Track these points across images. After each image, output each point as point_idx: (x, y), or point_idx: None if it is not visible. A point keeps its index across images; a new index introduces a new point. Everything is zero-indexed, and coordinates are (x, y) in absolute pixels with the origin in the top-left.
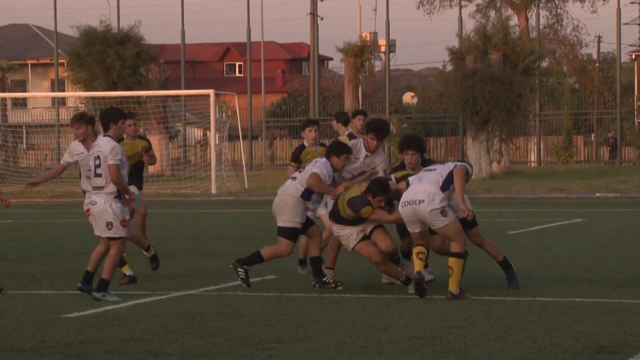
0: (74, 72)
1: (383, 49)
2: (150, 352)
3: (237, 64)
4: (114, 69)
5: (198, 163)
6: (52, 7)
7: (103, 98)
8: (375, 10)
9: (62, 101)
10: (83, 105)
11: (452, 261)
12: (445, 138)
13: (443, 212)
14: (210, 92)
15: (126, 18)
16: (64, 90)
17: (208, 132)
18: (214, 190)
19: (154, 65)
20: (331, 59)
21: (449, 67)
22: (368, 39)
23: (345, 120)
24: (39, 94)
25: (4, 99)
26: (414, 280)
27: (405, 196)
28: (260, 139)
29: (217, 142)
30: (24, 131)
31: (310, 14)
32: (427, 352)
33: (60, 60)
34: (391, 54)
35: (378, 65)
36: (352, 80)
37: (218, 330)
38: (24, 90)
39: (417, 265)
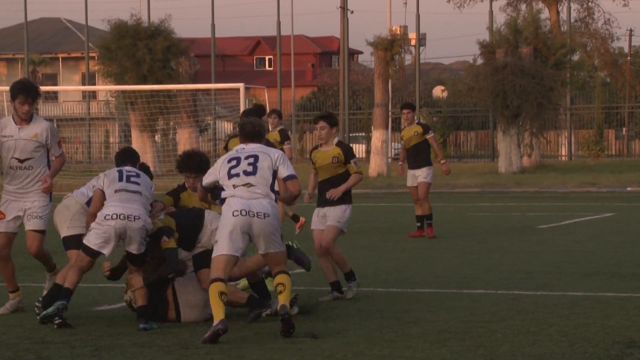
0: (105, 65)
1: (413, 42)
2: (180, 345)
3: (267, 58)
4: (145, 63)
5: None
6: (83, 1)
7: (133, 92)
8: (406, 3)
9: (92, 95)
10: (113, 99)
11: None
12: (476, 132)
13: None
14: (240, 85)
15: (157, 12)
16: (94, 84)
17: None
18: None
19: (185, 59)
20: (361, 52)
21: (480, 61)
22: (398, 32)
23: (281, 115)
24: (69, 88)
25: None
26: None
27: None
28: (290, 132)
29: None
30: (55, 124)
31: (340, 7)
32: (456, 346)
33: (91, 54)
34: (421, 48)
35: (408, 59)
36: (382, 73)
37: (247, 324)
38: (55, 84)
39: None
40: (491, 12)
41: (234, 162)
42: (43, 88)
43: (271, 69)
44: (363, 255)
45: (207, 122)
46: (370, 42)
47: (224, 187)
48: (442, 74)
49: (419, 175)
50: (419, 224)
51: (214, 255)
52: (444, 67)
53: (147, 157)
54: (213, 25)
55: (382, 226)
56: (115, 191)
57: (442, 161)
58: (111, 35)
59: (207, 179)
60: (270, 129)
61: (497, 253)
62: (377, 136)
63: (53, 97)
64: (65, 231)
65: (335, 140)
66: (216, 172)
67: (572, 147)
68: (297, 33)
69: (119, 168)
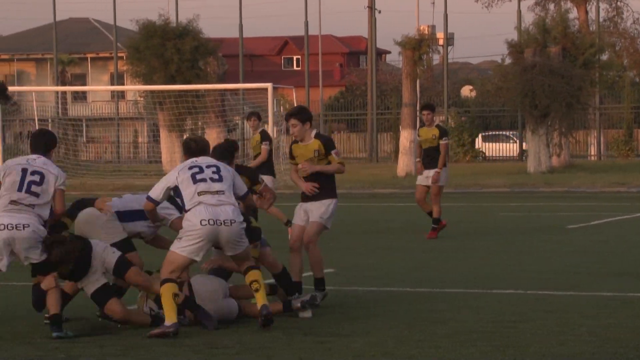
0: (133, 65)
1: (441, 42)
2: (208, 345)
3: (295, 58)
4: (173, 63)
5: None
6: (112, 1)
7: (162, 92)
8: (434, 3)
9: (121, 95)
10: (142, 99)
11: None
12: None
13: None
14: (268, 85)
15: (185, 11)
16: (123, 84)
17: (266, 126)
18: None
19: (213, 59)
20: (389, 52)
21: (508, 61)
22: (426, 32)
23: (260, 117)
24: (98, 88)
25: (64, 92)
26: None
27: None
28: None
29: (275, 136)
30: (84, 124)
31: (368, 7)
32: (485, 346)
33: (119, 54)
34: (449, 47)
35: (436, 59)
36: (410, 73)
37: (276, 323)
38: (84, 84)
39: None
40: (519, 11)
41: (196, 169)
42: (72, 88)
43: (299, 68)
44: (390, 254)
45: (235, 122)
46: (398, 42)
47: (185, 195)
48: (470, 73)
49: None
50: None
51: (171, 248)
52: (472, 67)
53: (175, 156)
54: (241, 25)
55: (410, 226)
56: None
57: (437, 169)
58: (139, 36)
59: (157, 189)
60: (252, 132)
61: (525, 253)
62: (405, 136)
63: (82, 97)
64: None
65: (313, 133)
66: (172, 179)
67: (601, 147)
68: (325, 33)
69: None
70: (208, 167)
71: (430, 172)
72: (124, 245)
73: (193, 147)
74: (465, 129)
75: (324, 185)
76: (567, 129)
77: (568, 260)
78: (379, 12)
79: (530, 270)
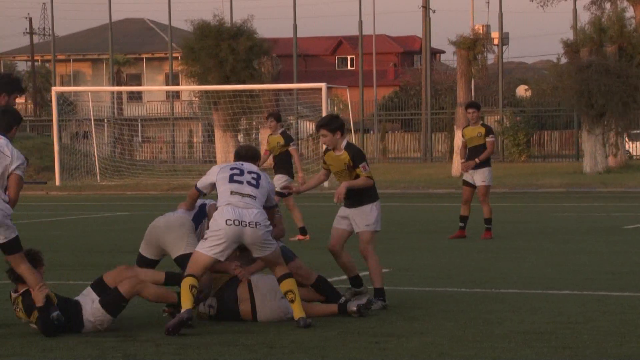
0: (188, 65)
1: (496, 41)
2: (265, 344)
3: (349, 57)
4: (227, 63)
5: (310, 156)
6: (167, 1)
7: (216, 92)
8: (488, 2)
9: (176, 95)
10: (197, 99)
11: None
12: (560, 132)
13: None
14: (322, 85)
15: (239, 12)
16: (178, 84)
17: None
18: (326, 184)
19: (267, 59)
20: (443, 51)
21: (564, 60)
22: (481, 31)
23: (280, 118)
24: (153, 88)
25: (120, 93)
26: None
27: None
28: (372, 132)
29: None
30: (139, 124)
31: (423, 6)
32: (542, 347)
33: (174, 54)
34: (504, 47)
35: (491, 58)
36: (464, 73)
37: (331, 323)
38: (139, 84)
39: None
40: (575, 10)
41: (236, 170)
42: (127, 88)
43: (353, 68)
44: (447, 255)
45: (290, 121)
46: (453, 42)
47: (219, 192)
48: (526, 73)
49: (478, 178)
50: (461, 225)
51: (197, 248)
52: (527, 66)
53: (230, 156)
54: (295, 25)
55: (467, 226)
56: None
57: (477, 160)
58: (194, 36)
59: (204, 181)
60: (270, 132)
61: (582, 254)
62: (460, 136)
63: (137, 97)
64: (183, 249)
65: (344, 143)
66: (214, 175)
67: None
68: (379, 32)
69: None
70: (249, 172)
71: (476, 174)
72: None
73: (242, 154)
74: (521, 129)
75: (361, 191)
76: (624, 129)
77: (625, 261)
78: (434, 11)
79: (587, 271)
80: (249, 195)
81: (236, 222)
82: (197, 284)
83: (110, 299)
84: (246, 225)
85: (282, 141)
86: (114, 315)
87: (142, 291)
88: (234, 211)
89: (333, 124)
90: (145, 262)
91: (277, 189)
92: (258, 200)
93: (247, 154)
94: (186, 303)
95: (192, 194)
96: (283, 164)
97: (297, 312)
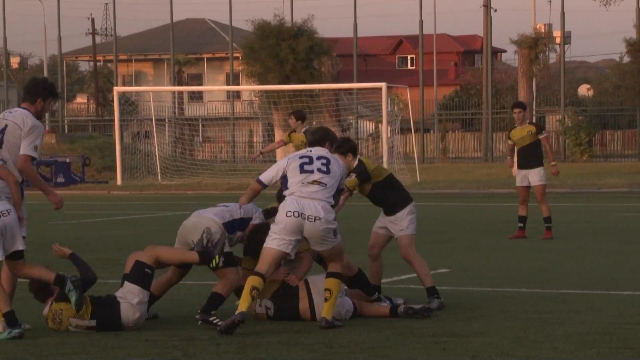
0: (249, 65)
1: (558, 40)
2: (324, 344)
3: (409, 57)
4: (288, 63)
5: (370, 156)
6: (228, 1)
7: (277, 91)
8: (550, 1)
9: (236, 94)
10: (257, 99)
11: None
12: (622, 131)
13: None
14: (383, 85)
15: (300, 11)
16: (238, 84)
17: (380, 125)
18: None
19: (327, 59)
20: (504, 51)
21: (626, 59)
22: (542, 30)
23: (303, 117)
24: (214, 88)
25: (181, 92)
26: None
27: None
28: (432, 131)
29: (389, 135)
30: (200, 124)
31: (484, 5)
32: (604, 348)
33: (235, 54)
34: (566, 46)
35: (553, 57)
36: (526, 72)
37: (390, 322)
38: (200, 84)
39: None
40: (638, 9)
41: (306, 159)
42: (188, 88)
43: (413, 68)
44: (507, 255)
45: (350, 121)
46: (514, 41)
47: (290, 183)
48: (588, 72)
49: (533, 178)
50: (520, 225)
51: (265, 244)
52: (589, 66)
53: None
54: (355, 25)
55: (527, 226)
56: None
57: (553, 162)
58: (255, 36)
59: (268, 174)
60: (294, 130)
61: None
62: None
63: (198, 97)
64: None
65: (356, 162)
66: (282, 166)
67: None
68: (439, 32)
69: None
70: (319, 158)
71: (530, 174)
72: (228, 260)
73: (310, 139)
74: (583, 128)
75: (392, 200)
76: None
77: None
78: (495, 10)
79: None
80: (318, 183)
81: (296, 214)
82: (261, 285)
83: (133, 270)
84: (305, 218)
85: (304, 139)
86: (145, 287)
87: (160, 255)
88: (297, 203)
89: (344, 146)
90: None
91: None
92: (328, 187)
93: (314, 138)
94: (242, 305)
95: (254, 187)
96: None
97: (325, 311)
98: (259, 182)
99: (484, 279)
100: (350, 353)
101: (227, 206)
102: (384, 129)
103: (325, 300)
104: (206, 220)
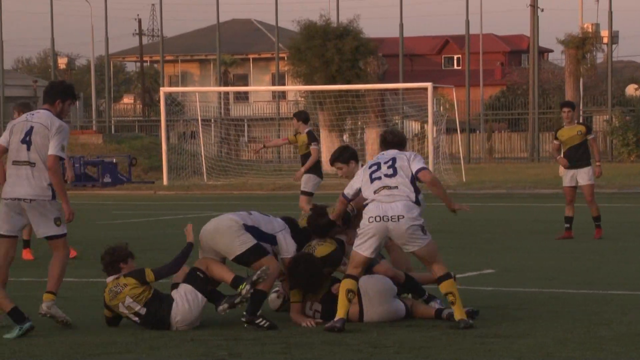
0: (294, 66)
1: (606, 40)
2: (368, 344)
3: (455, 57)
4: (333, 63)
5: None
6: (274, 2)
7: (322, 92)
8: (598, 0)
9: (282, 95)
10: (303, 99)
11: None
12: None
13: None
14: (428, 85)
15: (345, 12)
16: (284, 84)
17: (425, 125)
18: None
19: (373, 59)
20: (551, 50)
21: None
22: (590, 30)
23: (305, 119)
24: (260, 88)
25: (227, 93)
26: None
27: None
28: (478, 132)
29: (434, 135)
30: (246, 124)
31: (530, 5)
32: None
33: (280, 55)
34: (614, 45)
35: (600, 57)
36: (572, 72)
37: (435, 323)
38: (246, 84)
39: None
40: None
41: (374, 167)
42: (234, 88)
43: (459, 68)
44: (554, 256)
45: (395, 121)
46: (561, 41)
47: (365, 195)
48: (636, 72)
49: (583, 178)
50: (567, 225)
51: (353, 249)
52: (637, 65)
53: None
54: (401, 25)
55: (572, 227)
56: None
57: (598, 163)
58: (301, 36)
59: (350, 188)
60: (299, 131)
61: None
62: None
63: (244, 97)
64: (238, 250)
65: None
66: (359, 180)
67: None
68: (486, 32)
69: None
70: (386, 162)
71: (579, 174)
72: (258, 251)
73: (388, 139)
74: (630, 129)
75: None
76: None
77: None
78: (542, 10)
79: None
80: (391, 187)
81: (378, 219)
82: (355, 287)
83: (189, 274)
84: (388, 219)
85: (306, 140)
86: (199, 290)
87: (210, 267)
88: (378, 207)
89: (345, 155)
90: None
91: (305, 189)
92: (401, 187)
93: (392, 140)
94: (341, 311)
95: (340, 200)
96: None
97: (458, 313)
98: (344, 196)
99: (529, 279)
100: (395, 353)
101: (250, 213)
102: (430, 129)
103: (452, 304)
104: (226, 221)
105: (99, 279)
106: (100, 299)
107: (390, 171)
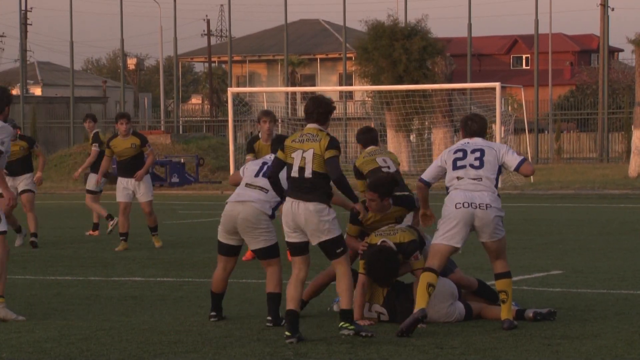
0: (362, 66)
1: None
2: (434, 345)
3: (524, 57)
4: (401, 63)
5: None
6: (342, 2)
7: (389, 92)
8: None
9: (349, 95)
10: (370, 99)
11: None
12: None
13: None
14: (497, 85)
15: (413, 12)
16: (351, 84)
17: (493, 125)
18: None
19: (441, 59)
20: (622, 50)
21: None
22: None
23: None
24: (327, 88)
25: (294, 93)
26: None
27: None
28: (546, 132)
29: (502, 135)
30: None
31: (601, 4)
32: None
33: (348, 55)
34: None
35: None
36: None
37: (498, 325)
38: (313, 84)
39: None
40: None
41: (460, 154)
42: (302, 89)
43: (528, 67)
44: (623, 257)
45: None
46: (632, 40)
47: (447, 179)
48: None
49: None
50: None
51: (433, 242)
52: None
53: (402, 156)
54: (470, 25)
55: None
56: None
57: None
58: (368, 36)
59: (429, 171)
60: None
61: None
62: (638, 136)
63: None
64: (262, 243)
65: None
66: (440, 162)
67: None
68: (555, 31)
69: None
70: (473, 151)
71: None
72: (275, 251)
73: (470, 126)
74: None
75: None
76: None
77: None
78: (612, 9)
79: None
80: (476, 179)
81: (465, 205)
82: (435, 281)
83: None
84: (476, 207)
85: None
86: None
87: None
88: (464, 194)
89: (382, 189)
90: (226, 249)
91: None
92: (485, 180)
93: (476, 127)
94: (420, 302)
95: (419, 186)
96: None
97: (505, 313)
98: (422, 181)
99: (598, 280)
100: (461, 354)
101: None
102: (498, 129)
103: (503, 302)
104: (253, 210)
105: (166, 278)
106: (167, 298)
107: (477, 163)
